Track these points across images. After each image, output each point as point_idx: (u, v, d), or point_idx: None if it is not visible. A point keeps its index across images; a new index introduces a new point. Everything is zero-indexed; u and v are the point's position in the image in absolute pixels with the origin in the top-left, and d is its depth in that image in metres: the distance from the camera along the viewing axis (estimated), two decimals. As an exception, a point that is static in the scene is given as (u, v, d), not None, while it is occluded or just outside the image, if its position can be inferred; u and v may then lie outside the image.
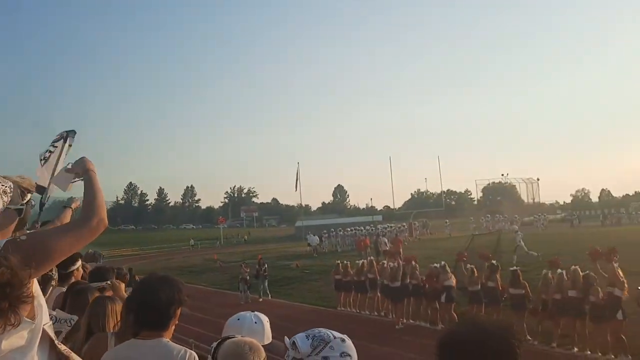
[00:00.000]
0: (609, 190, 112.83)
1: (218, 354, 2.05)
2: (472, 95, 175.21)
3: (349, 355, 1.61)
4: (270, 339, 2.57)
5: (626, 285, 9.23)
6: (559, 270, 10.71)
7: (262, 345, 2.26)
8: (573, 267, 10.43)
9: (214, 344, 2.10)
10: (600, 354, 9.55)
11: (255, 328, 2.52)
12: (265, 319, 2.63)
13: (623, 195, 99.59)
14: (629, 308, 9.35)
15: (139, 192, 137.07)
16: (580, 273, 10.07)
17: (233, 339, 2.12)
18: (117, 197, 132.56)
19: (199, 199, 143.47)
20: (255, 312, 2.66)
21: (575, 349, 10.00)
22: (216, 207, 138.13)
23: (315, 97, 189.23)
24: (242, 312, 2.65)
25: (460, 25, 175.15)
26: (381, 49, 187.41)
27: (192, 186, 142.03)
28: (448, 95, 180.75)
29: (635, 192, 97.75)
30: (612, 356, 9.28)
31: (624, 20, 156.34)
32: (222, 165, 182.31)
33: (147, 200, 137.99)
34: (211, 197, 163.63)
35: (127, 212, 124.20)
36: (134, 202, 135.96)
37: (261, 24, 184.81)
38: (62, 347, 1.88)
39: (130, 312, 2.68)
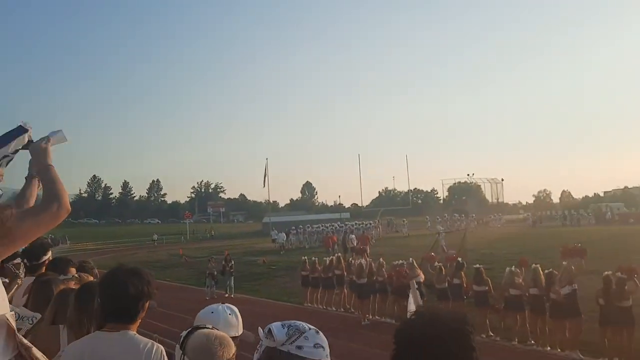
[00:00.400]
0: (569, 192, 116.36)
1: (187, 344, 1.99)
2: (441, 96, 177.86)
3: (322, 347, 1.60)
4: (242, 330, 2.54)
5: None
6: (508, 268, 11.11)
7: (234, 337, 2.22)
8: (534, 265, 10.72)
9: (184, 332, 2.04)
10: (559, 350, 9.83)
11: (231, 320, 2.47)
12: (237, 310, 2.59)
13: (583, 197, 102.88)
14: (588, 306, 9.65)
15: (102, 185, 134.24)
16: (541, 272, 10.37)
17: (204, 330, 2.07)
18: (80, 190, 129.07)
19: (165, 194, 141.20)
20: (227, 304, 2.62)
21: (537, 346, 10.24)
22: (182, 202, 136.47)
23: (284, 94, 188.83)
24: (213, 305, 2.60)
25: (426, 26, 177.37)
26: (351, 48, 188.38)
27: (158, 180, 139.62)
28: (417, 95, 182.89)
29: (595, 194, 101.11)
30: (569, 352, 9.56)
31: (585, 29, 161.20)
32: (189, 160, 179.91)
33: (112, 194, 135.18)
34: (177, 192, 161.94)
35: (90, 205, 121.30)
36: (97, 195, 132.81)
37: (232, 23, 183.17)
38: (24, 340, 1.84)
39: (89, 303, 2.59)
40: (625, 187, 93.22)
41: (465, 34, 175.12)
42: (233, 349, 2.06)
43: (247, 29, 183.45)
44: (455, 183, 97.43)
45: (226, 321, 2.44)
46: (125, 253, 44.44)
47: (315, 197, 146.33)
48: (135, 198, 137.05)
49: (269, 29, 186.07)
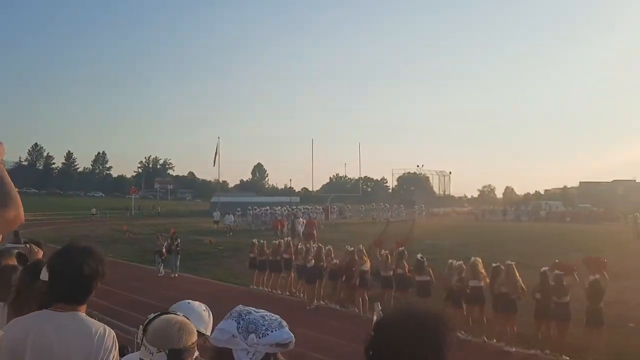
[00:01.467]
0: (512, 188, 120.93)
1: (149, 327, 1.98)
2: (397, 88, 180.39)
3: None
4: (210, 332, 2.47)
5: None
6: (450, 261, 11.43)
7: (202, 335, 2.19)
8: (473, 258, 11.02)
9: (151, 315, 2.02)
10: (495, 340, 10.22)
11: (203, 316, 2.42)
12: (210, 311, 2.54)
13: (525, 194, 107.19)
14: (523, 299, 10.05)
15: (44, 154, 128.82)
16: (480, 264, 10.69)
17: (167, 315, 2.04)
18: (20, 158, 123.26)
19: (111, 167, 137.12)
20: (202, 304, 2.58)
21: (474, 337, 10.61)
22: (129, 176, 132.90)
23: (241, 73, 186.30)
24: (189, 300, 2.57)
25: (386, 20, 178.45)
26: (311, 35, 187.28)
27: (103, 152, 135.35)
28: (373, 85, 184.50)
29: (536, 191, 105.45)
30: (504, 343, 9.96)
31: (535, 31, 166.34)
32: (138, 134, 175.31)
33: (54, 163, 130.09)
34: (124, 166, 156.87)
35: (30, 175, 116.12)
36: (38, 164, 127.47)
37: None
38: None
39: (34, 283, 2.51)
40: (565, 187, 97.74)
41: (425, 32, 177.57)
42: (194, 337, 2.04)
43: (208, 7, 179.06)
44: (404, 173, 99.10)
45: (199, 315, 2.41)
46: (65, 226, 42.80)
47: (266, 179, 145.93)
48: (78, 169, 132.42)
49: (230, 9, 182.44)
